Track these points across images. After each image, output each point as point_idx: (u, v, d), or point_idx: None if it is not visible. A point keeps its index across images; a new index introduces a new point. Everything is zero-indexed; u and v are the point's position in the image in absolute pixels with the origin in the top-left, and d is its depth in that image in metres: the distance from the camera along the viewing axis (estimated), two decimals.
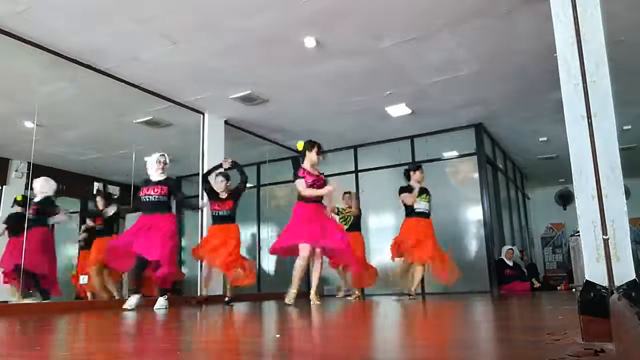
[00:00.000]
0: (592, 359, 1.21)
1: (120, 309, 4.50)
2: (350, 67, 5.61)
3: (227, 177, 5.63)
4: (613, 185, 1.57)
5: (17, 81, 5.63)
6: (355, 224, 6.60)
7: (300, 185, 4.71)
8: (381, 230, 8.40)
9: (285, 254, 5.02)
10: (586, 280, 1.54)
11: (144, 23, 4.58)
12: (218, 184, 5.59)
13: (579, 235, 1.69)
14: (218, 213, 5.58)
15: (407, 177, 6.11)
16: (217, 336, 2.36)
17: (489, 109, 7.13)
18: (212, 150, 6.92)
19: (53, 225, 5.98)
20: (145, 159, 4.95)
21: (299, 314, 3.64)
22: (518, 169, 10.71)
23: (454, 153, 8.02)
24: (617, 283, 1.51)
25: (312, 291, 4.70)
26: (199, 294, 5.92)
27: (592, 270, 1.55)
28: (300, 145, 4.89)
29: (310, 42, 4.98)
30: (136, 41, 4.91)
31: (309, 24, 4.70)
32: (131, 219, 5.59)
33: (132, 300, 4.54)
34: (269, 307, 4.97)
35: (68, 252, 7.97)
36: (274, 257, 8.41)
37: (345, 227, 6.29)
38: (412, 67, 5.70)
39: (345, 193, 6.73)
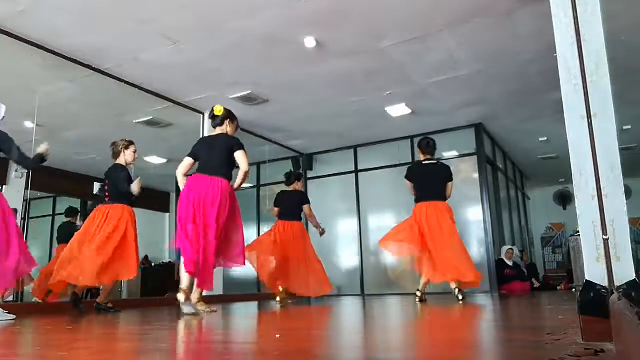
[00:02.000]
0: (592, 359, 1.21)
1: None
2: (350, 67, 5.61)
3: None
4: (613, 185, 1.57)
5: (17, 81, 5.63)
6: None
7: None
8: (381, 231, 8.39)
9: None
10: (586, 280, 1.54)
11: (144, 23, 4.58)
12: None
13: (579, 235, 1.69)
14: None
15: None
16: None
17: (489, 109, 7.13)
18: None
19: None
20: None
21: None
22: (518, 169, 10.71)
23: (454, 153, 8.02)
24: (617, 283, 1.51)
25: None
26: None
27: (592, 270, 1.55)
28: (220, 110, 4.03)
29: (310, 42, 4.98)
30: (136, 41, 4.90)
31: (309, 24, 4.70)
32: None
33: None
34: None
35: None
36: None
37: None
38: (412, 67, 5.69)
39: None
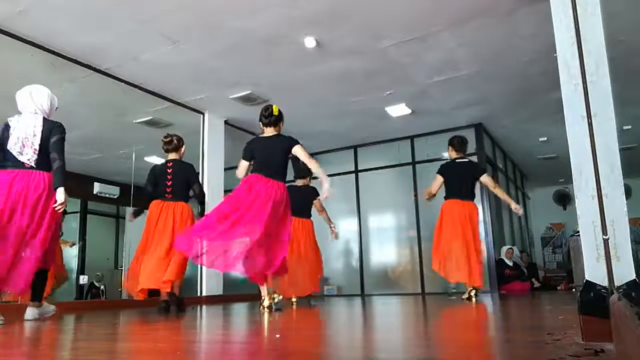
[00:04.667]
0: (592, 359, 1.21)
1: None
2: (350, 67, 5.61)
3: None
4: (613, 185, 1.57)
5: (17, 81, 5.62)
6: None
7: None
8: (381, 230, 8.41)
9: None
10: (586, 280, 1.54)
11: (144, 23, 4.58)
12: None
13: (579, 235, 1.69)
14: None
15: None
16: None
17: (489, 109, 7.13)
18: (212, 150, 6.92)
19: None
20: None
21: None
22: (518, 169, 10.71)
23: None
24: (617, 283, 1.51)
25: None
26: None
27: (592, 270, 1.55)
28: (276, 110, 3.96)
29: (310, 42, 4.98)
30: (136, 41, 4.90)
31: (309, 24, 4.70)
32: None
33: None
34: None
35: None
36: None
37: None
38: (412, 67, 5.69)
39: None
